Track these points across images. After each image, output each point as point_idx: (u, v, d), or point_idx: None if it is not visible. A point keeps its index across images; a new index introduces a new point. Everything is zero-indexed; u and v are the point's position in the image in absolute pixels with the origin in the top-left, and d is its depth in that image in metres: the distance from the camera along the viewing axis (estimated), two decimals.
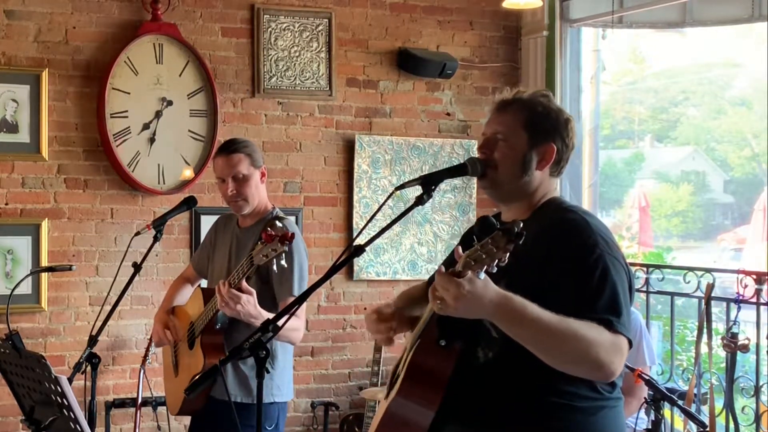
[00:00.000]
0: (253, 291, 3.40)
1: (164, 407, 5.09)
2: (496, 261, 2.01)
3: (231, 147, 3.73)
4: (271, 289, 3.60)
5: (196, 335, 3.67)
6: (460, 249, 2.11)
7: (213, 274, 3.91)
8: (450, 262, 2.65)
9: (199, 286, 3.95)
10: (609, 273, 2.23)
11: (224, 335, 3.60)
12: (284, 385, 3.73)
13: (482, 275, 2.06)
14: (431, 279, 2.71)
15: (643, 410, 4.35)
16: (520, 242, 1.99)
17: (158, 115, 5.25)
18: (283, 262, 3.27)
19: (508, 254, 2.01)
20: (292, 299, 3.43)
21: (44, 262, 5.03)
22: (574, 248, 2.25)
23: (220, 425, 3.61)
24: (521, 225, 1.99)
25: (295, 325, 3.53)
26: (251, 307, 3.38)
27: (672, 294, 5.22)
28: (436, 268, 2.32)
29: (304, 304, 2.47)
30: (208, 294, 3.65)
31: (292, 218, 3.85)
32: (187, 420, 5.22)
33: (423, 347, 2.31)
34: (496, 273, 2.09)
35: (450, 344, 2.28)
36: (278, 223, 3.42)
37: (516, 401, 2.30)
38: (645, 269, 5.28)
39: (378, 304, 2.59)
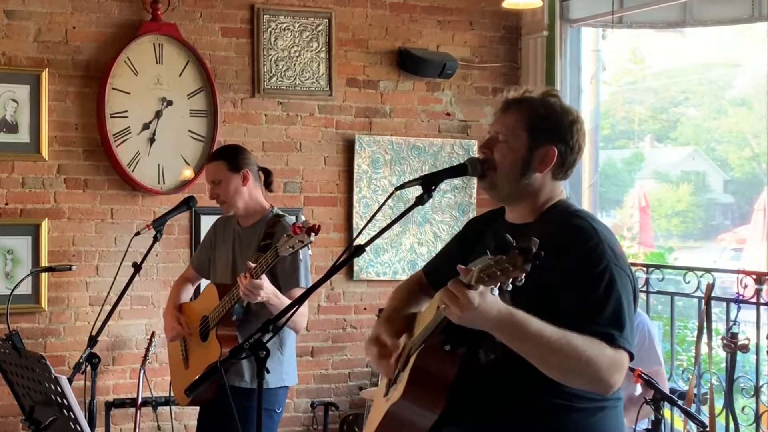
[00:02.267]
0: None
1: (164, 407, 5.10)
2: (511, 279, 1.98)
3: (211, 155, 4.06)
4: (277, 280, 3.74)
5: (211, 327, 3.80)
6: (462, 267, 2.07)
7: (216, 273, 4.05)
8: (445, 257, 2.64)
9: (211, 282, 4.06)
10: (615, 285, 2.20)
11: (238, 326, 3.77)
12: (292, 369, 3.92)
13: (496, 292, 2.04)
14: (426, 270, 2.71)
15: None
16: (537, 263, 1.94)
17: (158, 115, 5.25)
18: (310, 251, 3.54)
19: (524, 274, 1.97)
20: (298, 290, 3.69)
21: (44, 262, 5.03)
22: (581, 257, 2.23)
23: (230, 410, 3.66)
24: (538, 243, 1.94)
25: (302, 311, 3.76)
26: (271, 294, 3.59)
27: (672, 294, 5.22)
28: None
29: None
30: (223, 289, 3.81)
31: (292, 218, 3.91)
32: (187, 420, 5.24)
33: (428, 351, 2.31)
34: None
35: (454, 349, 2.28)
36: (302, 217, 3.65)
37: (516, 402, 2.30)
38: (645, 269, 5.28)
39: (373, 333, 2.53)
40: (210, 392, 3.76)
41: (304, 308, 3.77)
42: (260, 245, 3.79)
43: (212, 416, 3.93)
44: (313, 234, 3.34)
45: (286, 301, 3.63)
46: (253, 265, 3.55)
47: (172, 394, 4.32)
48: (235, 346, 3.60)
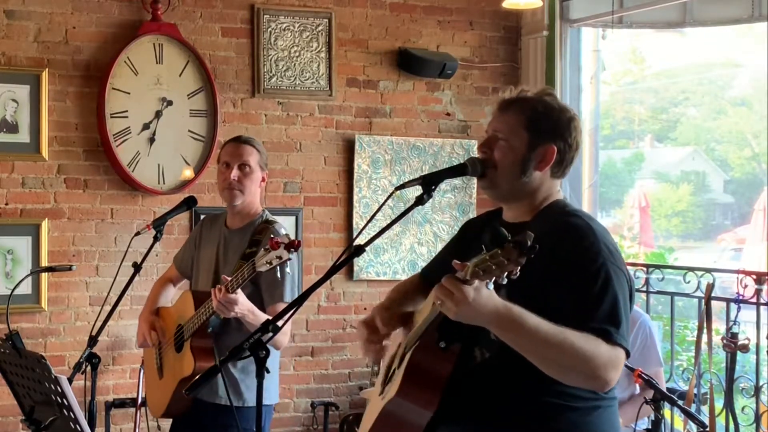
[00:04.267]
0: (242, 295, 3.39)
1: None
2: (506, 273, 1.98)
3: (245, 139, 3.79)
4: (260, 292, 3.57)
5: (185, 338, 3.62)
6: (457, 262, 2.08)
7: (198, 275, 3.87)
8: (442, 259, 2.63)
9: (189, 289, 3.89)
10: (611, 282, 2.21)
11: (214, 339, 3.56)
12: (272, 388, 3.71)
13: (491, 286, 2.05)
14: (424, 273, 2.72)
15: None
16: (533, 256, 1.95)
17: (158, 115, 5.25)
18: (288, 269, 3.31)
19: (519, 267, 1.98)
20: (281, 305, 3.42)
21: (44, 262, 5.03)
22: (577, 255, 2.24)
23: (205, 427, 3.60)
24: (533, 237, 1.94)
25: (285, 329, 3.46)
26: (246, 310, 3.39)
27: (672, 294, 5.22)
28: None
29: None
30: (199, 297, 3.60)
31: (282, 225, 3.75)
32: None
33: (423, 348, 2.31)
34: None
35: (449, 346, 2.28)
36: (283, 230, 3.47)
37: (511, 401, 2.30)
38: (645, 269, 5.28)
39: (369, 316, 2.55)
40: (185, 405, 3.60)
41: (287, 326, 3.43)
42: (245, 253, 3.57)
43: (183, 430, 3.77)
44: (292, 250, 3.13)
45: (264, 318, 3.37)
46: (228, 278, 3.36)
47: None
48: (210, 358, 3.47)
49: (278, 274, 3.47)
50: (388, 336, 2.49)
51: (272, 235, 3.28)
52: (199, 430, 3.64)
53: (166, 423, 5.14)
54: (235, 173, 3.66)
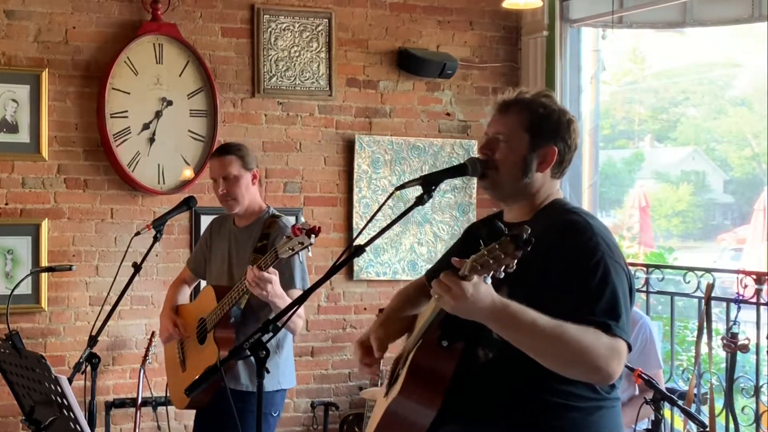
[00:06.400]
0: (276, 273, 3.53)
1: (164, 407, 5.10)
2: (503, 267, 2.01)
3: (223, 150, 3.95)
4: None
5: (208, 329, 3.78)
6: (456, 259, 2.10)
7: (212, 275, 4.02)
8: (446, 262, 2.65)
9: (208, 284, 4.02)
10: (609, 276, 2.23)
11: (235, 329, 3.72)
12: (289, 372, 3.88)
13: (488, 280, 2.07)
14: (428, 275, 2.72)
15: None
16: (528, 249, 1.98)
17: (158, 115, 5.25)
18: (310, 254, 3.50)
19: (515, 260, 2.00)
20: (294, 291, 3.65)
21: (44, 262, 5.03)
22: (576, 250, 2.25)
23: (228, 413, 3.65)
24: (529, 231, 1.97)
25: (299, 312, 3.65)
26: (278, 288, 3.53)
27: (672, 294, 5.22)
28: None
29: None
30: (221, 291, 3.77)
31: (290, 218, 3.88)
32: (187, 420, 5.24)
33: (425, 347, 2.32)
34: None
35: (452, 345, 2.28)
36: (302, 218, 3.57)
37: (514, 401, 2.30)
38: (645, 269, 5.28)
39: (364, 334, 2.57)
40: (207, 395, 3.72)
41: (301, 310, 3.69)
42: (256, 246, 3.75)
43: (208, 419, 3.89)
44: (313, 236, 3.30)
45: (286, 298, 3.59)
46: (252, 265, 3.51)
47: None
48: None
49: (294, 261, 3.64)
50: (381, 358, 2.51)
51: (293, 224, 3.45)
52: (222, 415, 3.72)
53: (166, 423, 5.16)
54: (222, 187, 3.85)
